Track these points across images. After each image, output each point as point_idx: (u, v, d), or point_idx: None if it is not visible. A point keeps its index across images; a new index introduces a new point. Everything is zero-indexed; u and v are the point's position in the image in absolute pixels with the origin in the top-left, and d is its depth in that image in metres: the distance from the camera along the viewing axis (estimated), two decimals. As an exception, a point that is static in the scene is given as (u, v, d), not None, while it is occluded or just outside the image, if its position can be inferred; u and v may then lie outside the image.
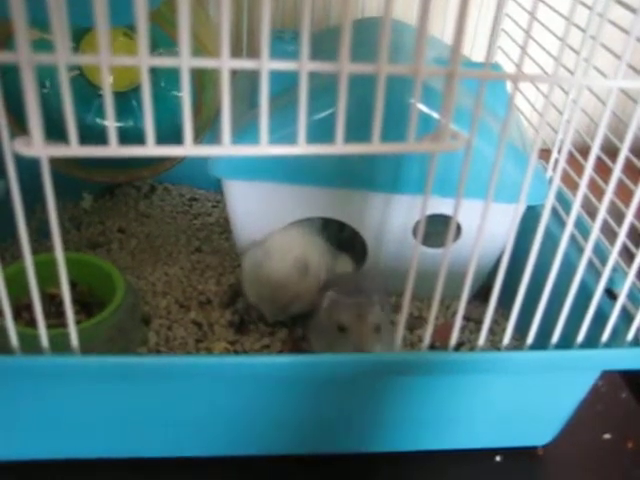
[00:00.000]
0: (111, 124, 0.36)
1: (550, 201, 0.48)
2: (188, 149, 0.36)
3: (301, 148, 0.37)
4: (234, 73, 0.77)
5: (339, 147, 0.37)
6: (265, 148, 0.36)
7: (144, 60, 0.34)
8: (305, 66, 0.35)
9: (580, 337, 0.54)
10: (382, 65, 0.35)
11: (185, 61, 0.34)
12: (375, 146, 0.37)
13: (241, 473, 0.61)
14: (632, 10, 0.46)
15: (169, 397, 0.55)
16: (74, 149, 0.36)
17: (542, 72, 0.73)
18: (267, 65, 0.34)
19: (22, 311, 0.64)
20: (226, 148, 0.36)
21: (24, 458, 0.59)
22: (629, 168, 0.54)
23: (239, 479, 0.61)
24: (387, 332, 0.63)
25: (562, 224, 0.68)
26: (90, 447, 0.59)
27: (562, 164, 0.48)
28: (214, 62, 0.34)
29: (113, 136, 0.36)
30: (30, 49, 0.33)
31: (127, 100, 0.85)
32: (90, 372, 0.50)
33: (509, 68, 0.82)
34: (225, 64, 0.34)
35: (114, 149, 0.37)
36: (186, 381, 0.54)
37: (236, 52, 0.97)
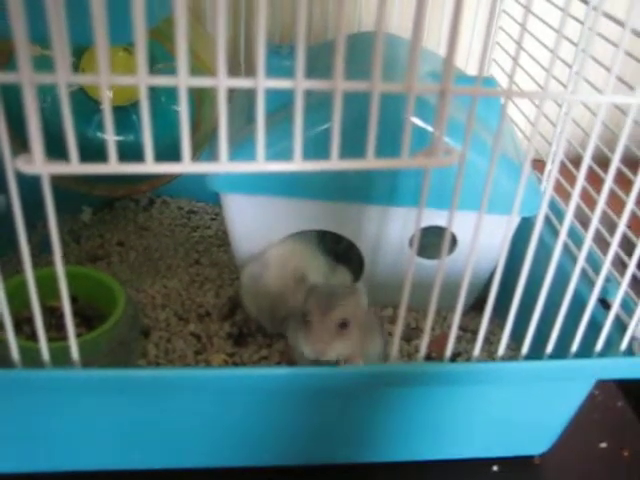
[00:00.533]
0: (110, 141, 0.37)
1: (542, 212, 0.48)
2: (186, 167, 0.37)
3: (297, 165, 0.37)
4: (232, 89, 0.77)
5: (334, 163, 0.38)
6: (262, 165, 0.37)
7: (142, 79, 0.35)
8: (301, 84, 0.36)
9: (574, 347, 0.55)
10: (376, 83, 0.36)
11: (183, 80, 0.35)
12: (370, 162, 0.38)
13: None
14: (620, 24, 0.47)
15: (169, 409, 0.56)
16: (74, 167, 0.37)
17: (535, 85, 0.74)
18: (263, 84, 0.35)
19: (23, 324, 0.65)
20: (223, 165, 0.37)
21: (23, 471, 0.60)
22: (624, 179, 0.54)
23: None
24: (376, 340, 0.63)
25: (557, 234, 0.68)
26: (90, 459, 0.60)
27: (554, 175, 0.49)
28: (211, 81, 0.35)
29: (113, 153, 0.37)
30: (32, 69, 0.34)
31: (127, 115, 0.86)
32: (91, 385, 0.51)
33: (504, 80, 0.83)
34: (222, 83, 0.35)
35: (114, 166, 0.37)
36: (185, 393, 0.55)
37: (234, 65, 0.98)
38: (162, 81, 0.36)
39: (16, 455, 0.59)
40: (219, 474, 0.62)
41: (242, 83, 0.36)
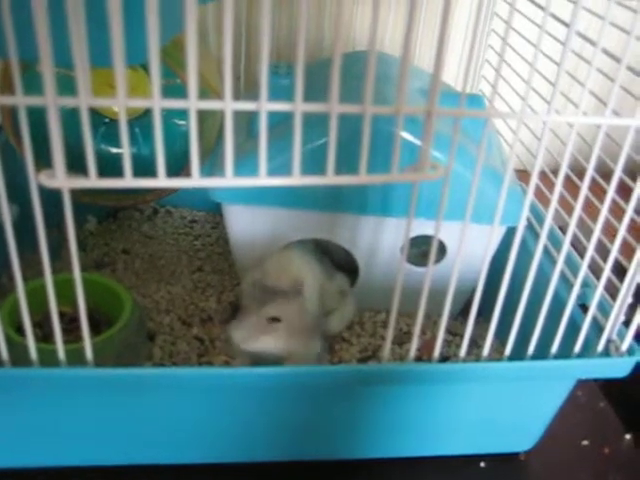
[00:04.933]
0: (126, 157, 0.41)
1: (523, 222, 0.52)
2: (196, 181, 0.41)
3: (296, 179, 0.41)
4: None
5: (330, 178, 0.41)
6: (264, 180, 0.41)
7: (157, 102, 0.39)
8: (299, 107, 0.39)
9: (554, 348, 0.58)
10: (367, 106, 0.40)
11: (193, 104, 0.39)
12: (362, 177, 0.41)
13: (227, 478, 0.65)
14: (593, 43, 0.51)
15: (166, 406, 0.59)
16: (93, 181, 0.41)
17: (518, 101, 0.77)
18: (265, 107, 0.39)
19: (34, 328, 0.68)
20: (229, 180, 0.41)
21: (33, 465, 0.63)
22: (623, 189, 0.57)
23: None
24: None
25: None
26: (93, 454, 0.63)
27: (533, 187, 0.52)
28: (219, 104, 0.39)
29: (128, 168, 0.41)
30: (55, 92, 0.38)
31: (130, 128, 0.89)
32: (103, 383, 0.54)
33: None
34: (228, 106, 0.39)
35: (129, 180, 0.41)
36: (174, 392, 0.58)
37: (233, 80, 1.02)
38: (175, 104, 0.40)
39: (23, 449, 0.62)
40: (213, 469, 0.64)
41: (246, 106, 0.40)
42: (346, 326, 0.81)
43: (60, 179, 0.40)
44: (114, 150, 0.91)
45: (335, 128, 0.40)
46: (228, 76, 0.38)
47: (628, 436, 0.72)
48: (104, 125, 0.91)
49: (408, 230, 0.48)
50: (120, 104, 0.39)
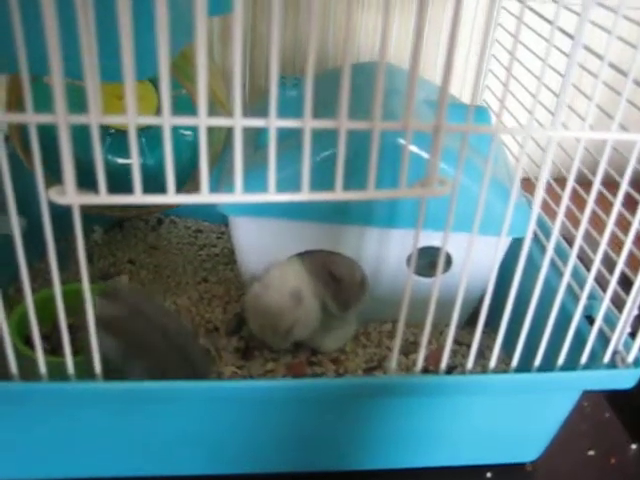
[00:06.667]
0: (136, 174, 0.41)
1: (530, 234, 0.52)
2: (205, 197, 0.41)
3: (304, 195, 0.42)
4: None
5: (338, 194, 0.42)
6: (273, 196, 0.41)
7: (167, 120, 0.39)
8: (308, 123, 0.40)
9: (561, 360, 0.58)
10: (376, 122, 0.40)
11: (203, 120, 0.39)
12: (370, 192, 0.42)
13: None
14: (600, 57, 0.51)
15: (171, 418, 0.59)
16: (103, 198, 0.41)
17: (522, 111, 0.77)
18: (275, 123, 0.39)
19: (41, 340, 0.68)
20: (239, 196, 0.41)
21: (43, 477, 0.63)
22: (629, 201, 0.58)
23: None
24: None
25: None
26: (101, 466, 0.63)
27: (540, 198, 0.52)
28: (229, 121, 0.39)
29: (138, 184, 0.41)
30: (66, 111, 0.38)
31: (136, 138, 0.90)
32: (112, 396, 0.54)
33: (496, 104, 0.87)
34: (238, 123, 0.39)
35: (139, 197, 0.41)
36: (192, 403, 0.58)
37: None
38: (185, 121, 0.40)
39: (31, 462, 0.62)
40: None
41: (256, 123, 0.40)
42: (341, 345, 0.81)
43: (71, 195, 0.41)
44: (120, 161, 0.91)
45: (344, 144, 0.40)
46: (237, 93, 0.38)
47: (634, 446, 0.72)
48: (110, 136, 0.91)
49: (416, 243, 0.48)
50: (130, 122, 0.39)
